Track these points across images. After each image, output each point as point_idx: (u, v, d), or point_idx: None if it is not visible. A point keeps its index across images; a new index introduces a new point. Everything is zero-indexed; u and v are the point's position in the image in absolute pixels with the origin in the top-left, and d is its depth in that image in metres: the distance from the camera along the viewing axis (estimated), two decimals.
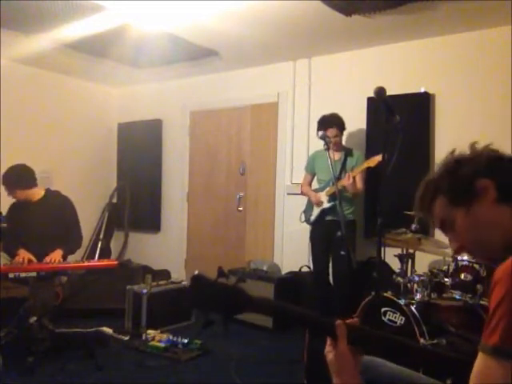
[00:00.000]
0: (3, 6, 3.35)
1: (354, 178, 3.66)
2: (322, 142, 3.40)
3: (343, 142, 4.01)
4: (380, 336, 1.24)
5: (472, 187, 1.12)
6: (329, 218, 3.78)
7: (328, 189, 3.78)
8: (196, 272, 1.10)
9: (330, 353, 1.15)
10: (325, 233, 3.81)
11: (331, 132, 3.81)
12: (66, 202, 3.86)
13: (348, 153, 3.84)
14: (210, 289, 1.08)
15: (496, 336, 0.91)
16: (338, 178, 3.66)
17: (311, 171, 4.08)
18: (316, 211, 3.86)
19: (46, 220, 3.71)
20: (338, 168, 3.76)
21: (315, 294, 3.93)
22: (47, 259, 3.54)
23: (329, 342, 1.16)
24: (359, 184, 3.76)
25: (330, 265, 3.90)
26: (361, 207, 4.10)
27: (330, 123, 3.84)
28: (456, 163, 1.17)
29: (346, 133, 4.20)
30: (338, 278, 3.79)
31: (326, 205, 3.78)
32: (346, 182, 3.65)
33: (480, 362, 0.94)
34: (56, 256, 3.57)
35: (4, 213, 3.74)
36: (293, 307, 1.19)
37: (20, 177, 3.61)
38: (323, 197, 3.82)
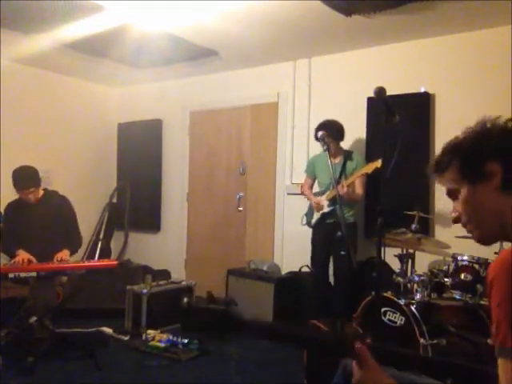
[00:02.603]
0: (3, 6, 3.35)
1: (349, 185, 3.64)
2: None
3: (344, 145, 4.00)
4: (394, 352, 1.24)
5: (482, 167, 1.10)
6: (329, 220, 3.78)
7: (328, 193, 3.78)
8: (185, 299, 1.11)
9: (360, 376, 1.16)
10: (325, 235, 3.81)
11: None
12: (64, 203, 3.87)
13: (348, 156, 3.83)
14: (201, 316, 1.08)
15: (501, 336, 0.92)
16: (338, 182, 3.66)
17: (311, 174, 4.08)
18: (317, 215, 3.86)
19: (46, 220, 3.71)
20: (337, 171, 3.75)
21: (315, 295, 3.92)
22: (56, 258, 3.56)
23: (355, 365, 1.17)
24: (359, 189, 3.76)
25: (331, 265, 3.90)
26: (361, 207, 4.10)
27: (321, 129, 3.79)
28: (480, 134, 1.14)
29: (346, 133, 4.19)
30: (338, 278, 3.79)
31: (326, 209, 3.78)
32: (340, 190, 3.63)
33: (504, 367, 0.94)
34: (64, 255, 3.60)
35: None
36: (295, 329, 1.19)
37: (33, 176, 3.63)
38: (323, 201, 3.81)
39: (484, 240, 1.16)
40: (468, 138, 1.16)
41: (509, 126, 1.12)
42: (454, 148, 1.17)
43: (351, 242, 3.68)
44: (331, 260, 3.89)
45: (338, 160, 3.83)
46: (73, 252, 3.81)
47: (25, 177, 3.59)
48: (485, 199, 1.11)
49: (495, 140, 1.11)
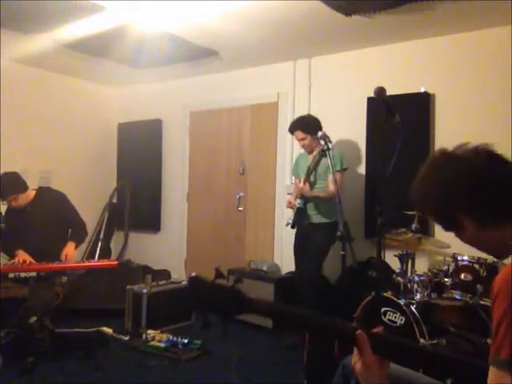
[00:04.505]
0: (3, 6, 3.35)
1: (306, 181, 3.62)
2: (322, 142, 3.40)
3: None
4: (398, 342, 1.24)
5: (454, 222, 1.17)
6: (304, 221, 3.74)
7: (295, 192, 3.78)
8: (193, 274, 1.10)
9: (357, 363, 1.16)
10: (302, 236, 3.82)
11: (296, 135, 3.82)
12: (59, 196, 3.89)
13: (323, 152, 3.71)
14: (207, 290, 1.08)
15: (506, 349, 0.92)
16: (305, 180, 3.65)
17: (296, 174, 4.06)
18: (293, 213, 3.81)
19: (44, 218, 3.72)
20: (310, 168, 3.70)
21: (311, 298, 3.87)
22: (63, 254, 3.57)
23: (355, 351, 1.17)
24: (331, 186, 3.61)
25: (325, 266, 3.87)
26: (361, 207, 4.10)
27: (294, 127, 3.83)
28: (439, 190, 1.18)
29: (346, 133, 4.19)
30: (303, 281, 3.73)
31: (298, 205, 3.71)
32: (300, 186, 3.64)
33: (493, 376, 0.95)
34: (70, 249, 3.62)
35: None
36: (299, 311, 1.18)
37: (11, 184, 3.61)
38: (297, 199, 3.74)
39: (496, 257, 1.27)
40: (431, 190, 1.20)
41: (464, 158, 1.15)
42: (423, 199, 1.23)
43: (317, 246, 3.65)
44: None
45: (313, 156, 3.76)
46: (81, 241, 3.84)
47: (3, 186, 3.58)
48: (473, 238, 1.17)
49: (455, 188, 1.15)
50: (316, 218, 3.71)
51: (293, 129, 3.87)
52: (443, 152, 1.21)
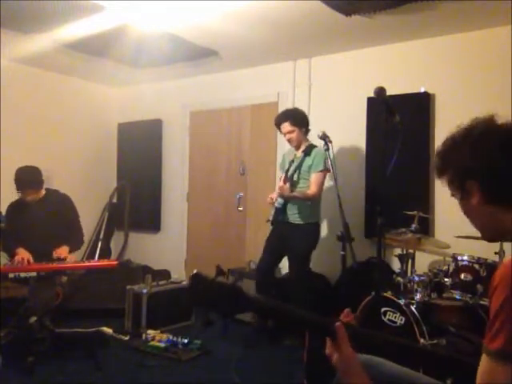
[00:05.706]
0: (3, 6, 3.35)
1: (286, 181, 3.56)
2: (322, 142, 3.40)
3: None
4: (377, 335, 1.25)
5: (463, 186, 1.17)
6: (282, 219, 3.65)
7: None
8: (195, 271, 1.10)
9: (333, 354, 1.15)
10: (277, 234, 3.74)
11: (283, 128, 3.68)
12: (65, 200, 3.89)
13: (308, 151, 3.64)
14: (208, 288, 1.08)
15: (500, 340, 0.92)
16: (292, 178, 3.59)
17: (283, 170, 3.96)
18: (273, 208, 3.76)
19: (46, 219, 3.72)
20: (292, 167, 3.66)
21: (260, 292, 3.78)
22: (55, 254, 3.57)
23: (329, 343, 1.16)
24: (313, 187, 3.57)
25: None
26: (361, 207, 4.10)
27: (282, 118, 3.68)
28: (458, 150, 1.19)
29: (346, 133, 4.19)
30: (292, 280, 3.71)
31: (276, 205, 3.64)
32: (279, 188, 3.56)
33: (484, 364, 0.95)
34: (63, 251, 3.61)
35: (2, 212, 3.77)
36: (291, 308, 1.19)
37: (35, 178, 3.66)
38: (278, 198, 3.64)
39: (488, 239, 1.23)
40: (451, 151, 1.21)
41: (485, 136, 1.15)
42: (443, 162, 1.24)
43: (294, 247, 3.60)
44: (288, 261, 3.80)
45: (299, 155, 3.68)
46: (74, 249, 3.82)
47: (24, 179, 3.60)
48: (472, 211, 1.19)
49: (469, 159, 1.16)
50: (294, 218, 3.61)
51: (281, 120, 3.69)
52: (485, 120, 1.19)
